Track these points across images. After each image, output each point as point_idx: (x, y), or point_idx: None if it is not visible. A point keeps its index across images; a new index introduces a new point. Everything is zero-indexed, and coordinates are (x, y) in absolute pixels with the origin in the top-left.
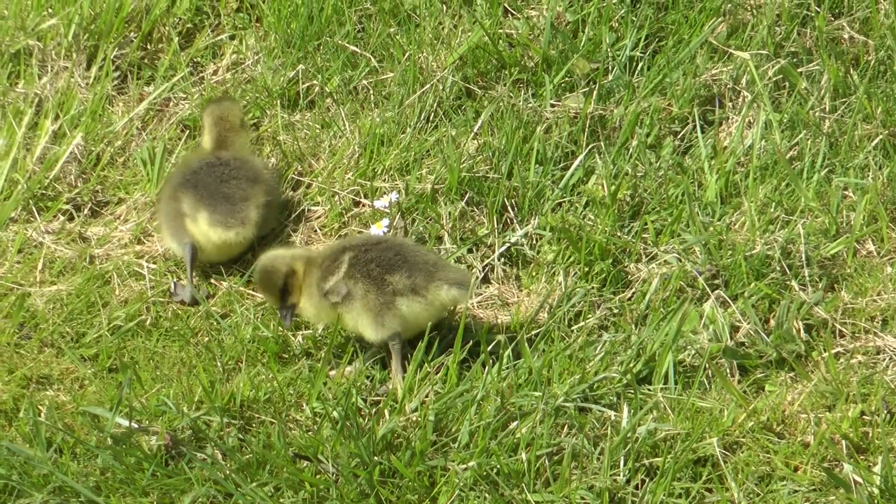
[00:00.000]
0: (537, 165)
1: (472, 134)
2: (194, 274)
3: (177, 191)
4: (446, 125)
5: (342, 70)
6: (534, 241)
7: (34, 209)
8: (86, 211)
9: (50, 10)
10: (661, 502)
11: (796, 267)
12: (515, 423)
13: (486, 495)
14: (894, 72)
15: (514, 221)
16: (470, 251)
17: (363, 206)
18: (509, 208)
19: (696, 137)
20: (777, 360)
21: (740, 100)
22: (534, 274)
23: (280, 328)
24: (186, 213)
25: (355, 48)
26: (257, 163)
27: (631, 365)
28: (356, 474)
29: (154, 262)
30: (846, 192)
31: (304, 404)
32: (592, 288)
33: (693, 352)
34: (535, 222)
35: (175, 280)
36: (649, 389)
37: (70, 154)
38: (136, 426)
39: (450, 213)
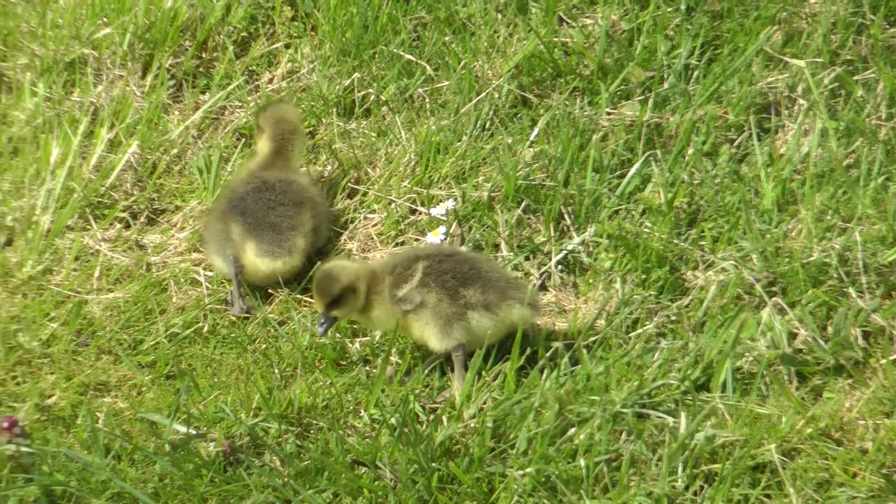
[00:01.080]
0: (594, 173)
1: (529, 142)
2: (241, 284)
3: (224, 214)
4: (502, 133)
5: (398, 78)
6: (591, 249)
7: (90, 217)
8: (142, 219)
9: (105, 19)
10: None
11: (853, 274)
12: (574, 430)
13: (545, 501)
14: None
15: (571, 229)
16: (527, 258)
17: (419, 213)
18: (566, 216)
19: (753, 145)
20: (835, 367)
21: (796, 108)
22: (591, 281)
23: (315, 335)
24: (235, 240)
25: (411, 56)
26: (303, 181)
27: (689, 372)
28: (414, 480)
29: (210, 270)
30: None
31: (362, 411)
32: (650, 295)
33: (751, 359)
34: (592, 230)
35: (230, 290)
36: (707, 396)
37: (126, 162)
38: (194, 433)
39: (506, 221)
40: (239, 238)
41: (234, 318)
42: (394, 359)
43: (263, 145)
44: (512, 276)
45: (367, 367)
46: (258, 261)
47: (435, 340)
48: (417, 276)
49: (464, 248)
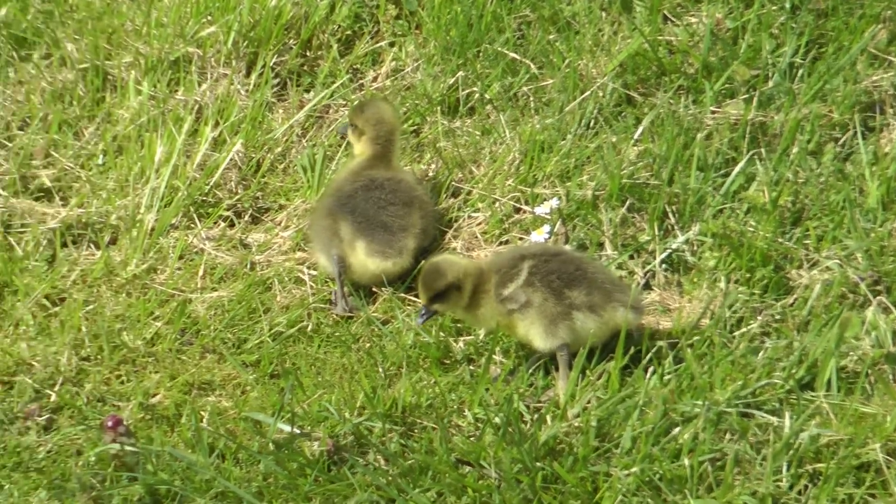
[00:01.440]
0: (698, 172)
1: (633, 140)
2: (344, 284)
3: (332, 212)
4: (607, 132)
5: (502, 77)
6: (695, 248)
7: (195, 216)
8: (246, 217)
9: (209, 18)
10: None
11: None
12: (678, 429)
13: (649, 501)
14: None
15: (676, 228)
16: (631, 257)
17: (524, 212)
18: (670, 214)
19: (857, 144)
20: None
21: None
22: (695, 280)
23: (421, 328)
24: (343, 238)
25: (515, 55)
26: (410, 180)
27: (793, 371)
28: (519, 480)
29: (314, 269)
30: None
31: (467, 410)
32: (754, 294)
33: (855, 358)
34: (697, 228)
35: (334, 290)
36: (812, 395)
37: (230, 161)
38: (298, 432)
39: (610, 220)
40: (348, 237)
41: (337, 318)
42: (498, 358)
43: (364, 148)
44: (616, 277)
45: (471, 367)
46: (368, 261)
47: (539, 340)
48: (523, 275)
49: (569, 248)
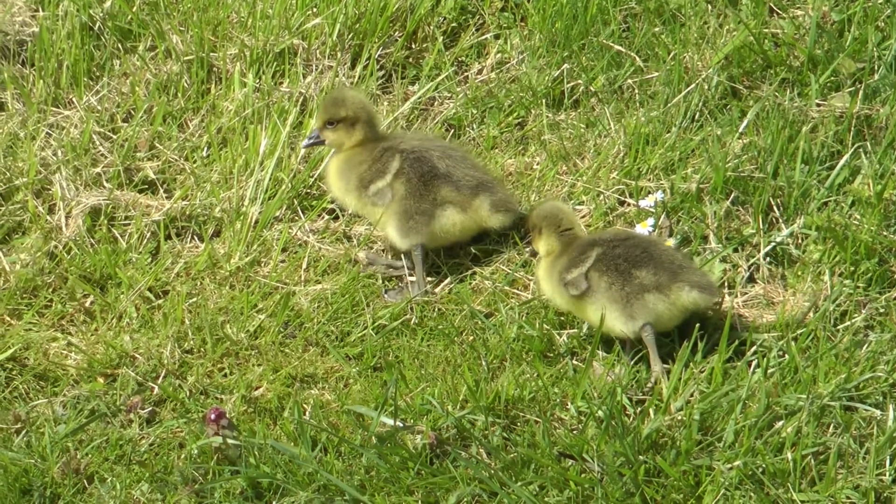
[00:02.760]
0: (803, 165)
1: (738, 133)
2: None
3: (419, 186)
4: (711, 124)
5: (607, 69)
6: (799, 241)
7: (298, 208)
8: (350, 210)
9: (314, 10)
10: None
11: None
12: (781, 423)
13: (752, 494)
14: None
15: (780, 221)
16: (735, 250)
17: (628, 205)
18: (775, 208)
19: None
20: None
21: None
22: (799, 273)
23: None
24: (453, 202)
25: (620, 47)
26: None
27: None
28: (621, 473)
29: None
30: None
31: (569, 403)
32: (858, 287)
33: None
34: (801, 222)
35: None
36: None
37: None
38: (400, 425)
39: (715, 213)
40: (460, 198)
41: (444, 307)
42: (601, 353)
43: (359, 134)
44: (688, 260)
45: (574, 360)
46: (493, 216)
47: (619, 323)
48: (589, 262)
49: (639, 233)
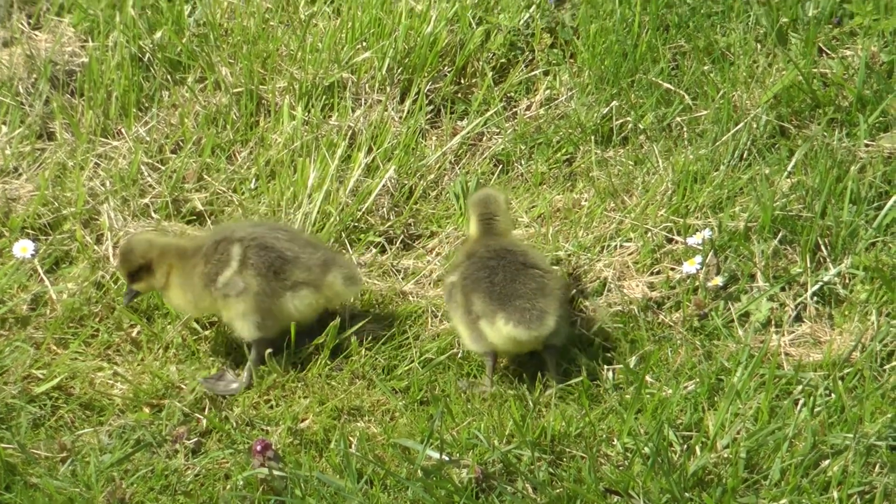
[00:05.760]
0: (851, 205)
1: (786, 172)
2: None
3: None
4: (760, 163)
5: (656, 107)
6: (847, 280)
7: (346, 241)
8: (398, 244)
9: (364, 44)
10: None
11: None
12: (827, 462)
13: None
14: None
15: (827, 260)
16: (783, 289)
17: (676, 242)
18: (822, 247)
19: None
20: None
21: None
22: (846, 313)
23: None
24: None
25: (669, 85)
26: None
27: None
28: None
29: None
30: None
31: (615, 439)
32: None
33: None
34: (848, 261)
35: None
36: None
37: (382, 187)
38: (446, 459)
39: (763, 252)
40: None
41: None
42: (650, 379)
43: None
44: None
45: (619, 396)
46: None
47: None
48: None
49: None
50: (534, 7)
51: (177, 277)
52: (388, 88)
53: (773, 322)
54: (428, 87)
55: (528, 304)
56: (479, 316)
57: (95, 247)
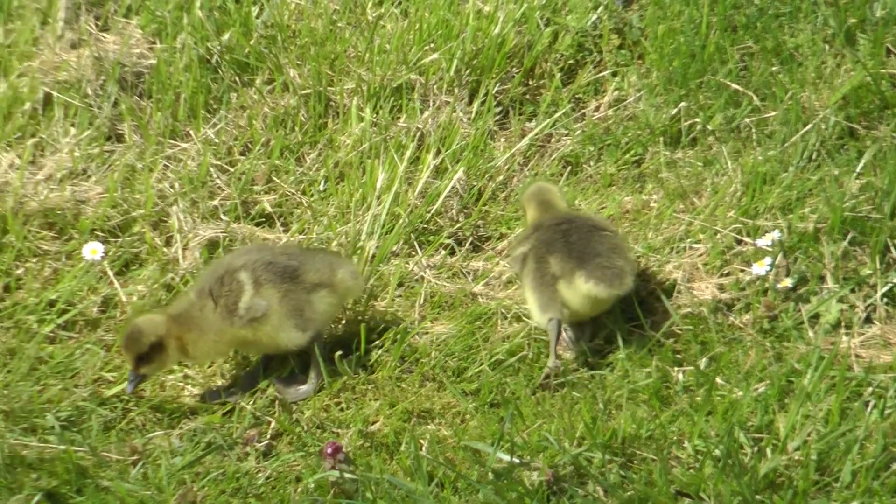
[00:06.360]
0: None
1: (855, 173)
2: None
3: None
4: (829, 164)
5: (724, 108)
6: None
7: (415, 243)
8: (467, 245)
9: (432, 45)
10: None
11: None
12: None
13: None
14: None
15: None
16: (852, 291)
17: (745, 244)
18: (892, 248)
19: None
20: None
21: None
22: None
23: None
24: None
25: (738, 86)
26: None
27: None
28: None
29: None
30: None
31: (686, 441)
32: None
33: None
34: None
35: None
36: None
37: (451, 188)
38: (517, 461)
39: (832, 253)
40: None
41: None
42: (720, 381)
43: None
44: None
45: (690, 398)
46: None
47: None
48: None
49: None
50: (601, 8)
51: (191, 335)
52: (456, 90)
53: (843, 324)
54: (496, 89)
55: (608, 262)
56: (557, 276)
57: (165, 249)
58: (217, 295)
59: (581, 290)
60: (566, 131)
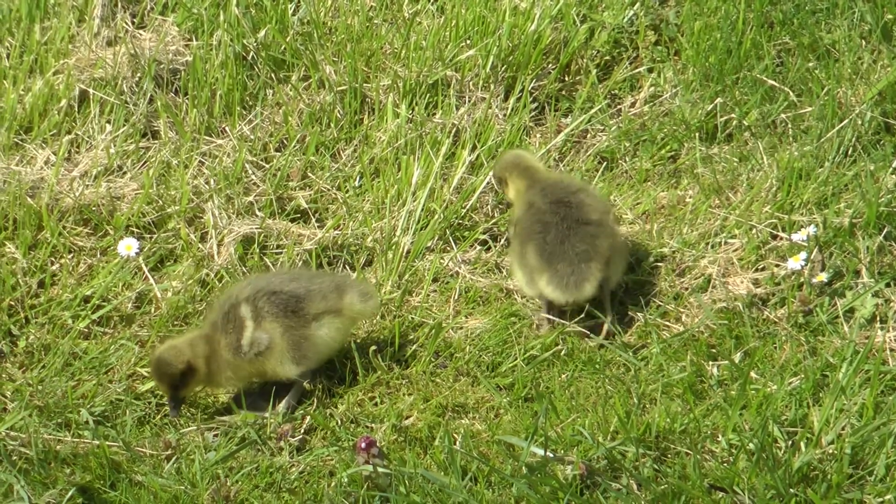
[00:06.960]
0: None
1: (891, 169)
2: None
3: None
4: (864, 160)
5: (760, 104)
6: None
7: (451, 239)
8: (502, 241)
9: (468, 42)
10: None
11: None
12: None
13: None
14: None
15: None
16: (888, 285)
17: (780, 238)
18: None
19: None
20: None
21: None
22: None
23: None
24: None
25: (774, 82)
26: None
27: None
28: None
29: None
30: None
31: (720, 435)
32: None
33: None
34: None
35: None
36: None
37: (487, 184)
38: (551, 455)
39: (868, 248)
40: None
41: (593, 338)
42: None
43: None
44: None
45: (724, 392)
46: None
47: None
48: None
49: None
50: (637, 4)
51: (214, 363)
52: (492, 86)
53: (878, 318)
54: (532, 85)
55: (571, 268)
56: (533, 269)
57: (200, 245)
58: (223, 331)
59: (544, 290)
60: (602, 127)
